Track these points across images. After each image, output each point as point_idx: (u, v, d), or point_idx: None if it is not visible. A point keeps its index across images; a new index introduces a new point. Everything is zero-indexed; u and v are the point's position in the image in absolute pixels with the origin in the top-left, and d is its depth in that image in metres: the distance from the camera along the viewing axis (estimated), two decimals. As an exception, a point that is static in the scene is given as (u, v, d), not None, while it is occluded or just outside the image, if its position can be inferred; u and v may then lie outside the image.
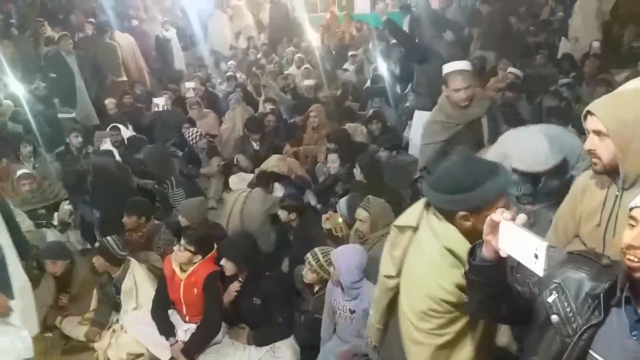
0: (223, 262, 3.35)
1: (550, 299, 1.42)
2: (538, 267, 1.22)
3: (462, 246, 1.67)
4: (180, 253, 3.34)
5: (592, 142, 1.71)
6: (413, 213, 1.89)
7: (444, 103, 3.42)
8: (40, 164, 5.70)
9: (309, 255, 3.26)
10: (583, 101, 5.89)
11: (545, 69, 7.18)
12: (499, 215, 1.31)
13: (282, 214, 4.07)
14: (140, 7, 11.97)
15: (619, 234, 1.26)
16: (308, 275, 3.28)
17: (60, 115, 6.89)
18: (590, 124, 1.71)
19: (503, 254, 1.33)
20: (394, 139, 5.07)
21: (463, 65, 3.35)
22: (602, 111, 1.66)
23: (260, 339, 3.35)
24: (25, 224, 4.44)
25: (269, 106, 6.66)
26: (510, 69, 6.70)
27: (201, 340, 3.34)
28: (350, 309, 3.04)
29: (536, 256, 1.22)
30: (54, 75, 7.26)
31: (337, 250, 3.13)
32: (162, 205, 4.74)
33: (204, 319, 3.36)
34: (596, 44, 7.33)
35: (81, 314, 3.81)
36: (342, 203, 4.06)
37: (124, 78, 8.43)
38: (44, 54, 7.65)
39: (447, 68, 3.35)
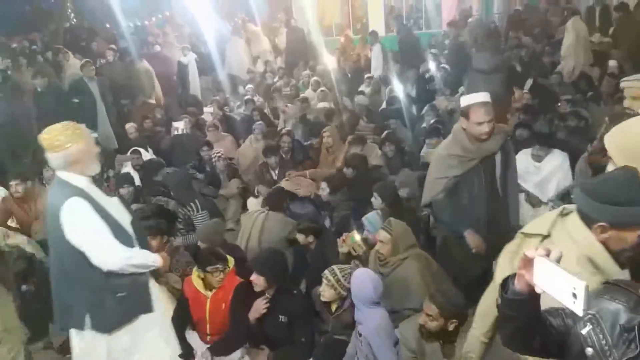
0: (254, 277, 3.35)
1: (584, 331, 1.37)
2: (577, 307, 1.20)
3: (602, 255, 1.68)
4: (214, 276, 3.36)
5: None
6: (545, 221, 1.90)
7: (460, 136, 3.27)
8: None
9: (326, 271, 3.27)
10: (598, 121, 5.87)
11: (561, 88, 7.17)
12: (533, 251, 1.31)
13: (300, 237, 4.09)
14: (159, 33, 12.28)
15: None
16: (325, 291, 3.27)
17: None
18: None
19: (539, 290, 1.31)
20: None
21: (484, 97, 3.20)
22: (607, 138, 1.70)
23: (280, 360, 3.34)
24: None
25: (283, 128, 6.73)
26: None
27: (226, 345, 3.36)
28: (358, 332, 3.05)
29: (575, 295, 1.20)
30: (76, 100, 7.47)
31: (358, 271, 3.14)
32: (185, 228, 4.76)
33: (232, 327, 3.37)
34: (613, 63, 7.31)
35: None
36: (373, 217, 3.97)
37: (153, 100, 8.67)
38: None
39: (469, 100, 3.21)
